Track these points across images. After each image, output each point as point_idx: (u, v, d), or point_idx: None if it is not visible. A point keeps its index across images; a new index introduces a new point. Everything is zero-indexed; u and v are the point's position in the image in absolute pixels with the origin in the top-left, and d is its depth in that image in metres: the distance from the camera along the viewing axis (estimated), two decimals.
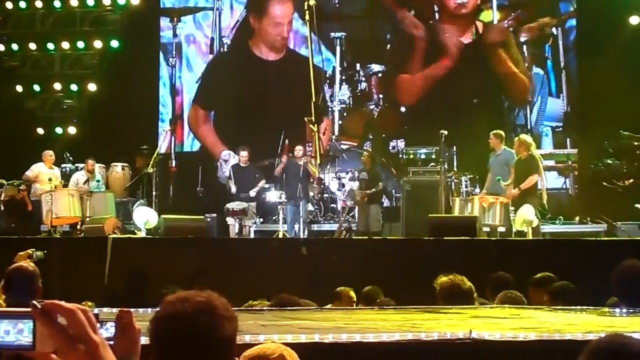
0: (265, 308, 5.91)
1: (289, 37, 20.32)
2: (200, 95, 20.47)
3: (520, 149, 14.53)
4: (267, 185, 17.32)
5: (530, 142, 14.57)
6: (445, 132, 15.28)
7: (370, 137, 19.81)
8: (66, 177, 16.92)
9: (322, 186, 17.83)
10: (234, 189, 16.63)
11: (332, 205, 17.84)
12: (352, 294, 8.46)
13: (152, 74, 20.33)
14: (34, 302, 1.89)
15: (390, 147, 19.30)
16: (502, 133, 15.19)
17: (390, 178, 18.44)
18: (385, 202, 17.60)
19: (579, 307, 5.72)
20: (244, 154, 16.93)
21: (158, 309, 2.64)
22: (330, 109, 19.63)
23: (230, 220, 16.26)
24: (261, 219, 17.28)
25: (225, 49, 20.65)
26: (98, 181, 16.69)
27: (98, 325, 1.94)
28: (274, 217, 17.13)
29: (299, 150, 16.66)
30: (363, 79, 19.89)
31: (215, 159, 19.03)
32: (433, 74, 19.23)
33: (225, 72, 20.20)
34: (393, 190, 17.84)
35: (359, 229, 16.08)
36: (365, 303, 7.98)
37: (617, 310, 5.32)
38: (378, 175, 16.86)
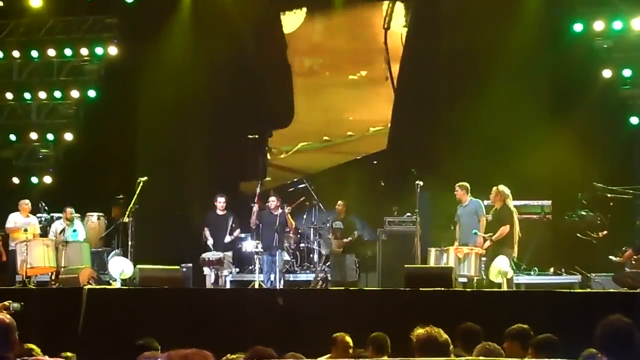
0: None
1: None
2: None
3: (496, 199, 14.65)
4: (243, 235, 17.33)
5: (507, 193, 14.63)
6: (421, 183, 15.36)
7: None
8: (42, 226, 16.88)
9: (298, 236, 17.87)
10: (210, 242, 16.58)
11: (309, 255, 17.87)
12: (348, 339, 8.53)
13: (128, 123, 20.34)
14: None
15: None
16: (467, 185, 15.28)
17: (366, 227, 18.52)
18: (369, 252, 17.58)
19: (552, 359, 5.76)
20: (221, 200, 16.89)
21: None
22: None
23: (206, 270, 16.23)
24: (237, 269, 17.26)
25: None
26: (75, 231, 16.63)
27: None
28: (250, 267, 17.12)
29: (272, 201, 16.69)
30: None
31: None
32: None
33: None
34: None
35: (334, 279, 16.09)
36: (374, 349, 8.01)
37: None
38: (353, 224, 16.92)
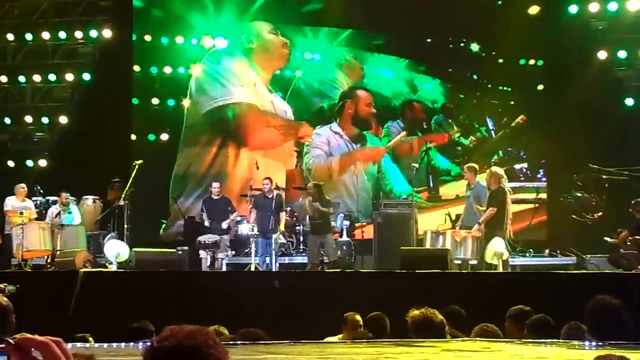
0: (238, 342, 5.92)
1: None
2: None
3: (490, 181, 14.56)
4: (239, 218, 17.33)
5: (500, 174, 14.53)
6: (417, 165, 15.38)
7: None
8: (37, 210, 16.83)
9: (294, 219, 17.86)
10: (207, 222, 16.61)
11: (305, 237, 17.82)
12: (358, 317, 8.53)
13: (123, 106, 20.30)
14: (7, 338, 1.92)
15: None
16: (476, 166, 15.26)
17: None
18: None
19: (549, 340, 5.78)
20: (216, 185, 16.95)
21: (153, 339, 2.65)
22: None
23: (202, 253, 16.23)
24: (233, 252, 17.25)
25: None
26: (70, 212, 16.62)
27: None
28: (246, 250, 17.11)
29: (266, 184, 16.66)
30: None
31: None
32: None
33: None
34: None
35: (311, 261, 15.80)
36: (370, 329, 8.01)
37: (587, 343, 5.38)
38: (327, 202, 16.60)
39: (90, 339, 7.40)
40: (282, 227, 16.35)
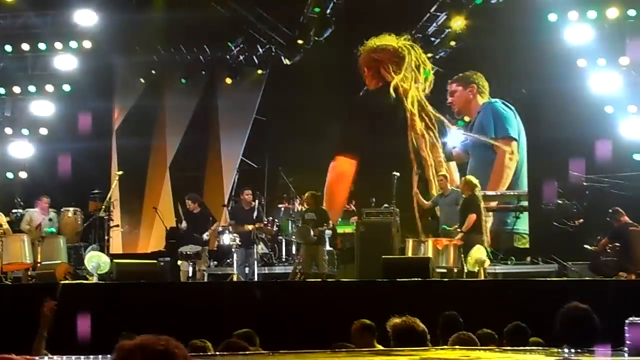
0: (217, 353, 5.91)
1: None
2: None
3: (464, 189, 14.91)
4: (220, 228, 17.29)
5: (475, 183, 14.96)
6: (398, 174, 15.43)
7: None
8: (18, 222, 16.71)
9: (275, 228, 17.84)
10: (184, 225, 16.54)
11: (287, 247, 17.83)
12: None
13: (104, 117, 20.22)
14: None
15: None
16: (448, 175, 15.68)
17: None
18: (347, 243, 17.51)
19: (528, 347, 5.78)
20: (189, 203, 16.84)
21: (112, 357, 2.55)
22: None
23: (183, 264, 16.17)
24: (215, 262, 17.21)
25: None
26: (51, 219, 16.46)
27: None
28: (227, 260, 17.08)
29: (247, 194, 16.65)
30: None
31: None
32: None
33: None
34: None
35: (305, 271, 15.73)
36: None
37: (566, 351, 5.38)
38: (325, 213, 16.54)
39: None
40: (249, 227, 16.26)
